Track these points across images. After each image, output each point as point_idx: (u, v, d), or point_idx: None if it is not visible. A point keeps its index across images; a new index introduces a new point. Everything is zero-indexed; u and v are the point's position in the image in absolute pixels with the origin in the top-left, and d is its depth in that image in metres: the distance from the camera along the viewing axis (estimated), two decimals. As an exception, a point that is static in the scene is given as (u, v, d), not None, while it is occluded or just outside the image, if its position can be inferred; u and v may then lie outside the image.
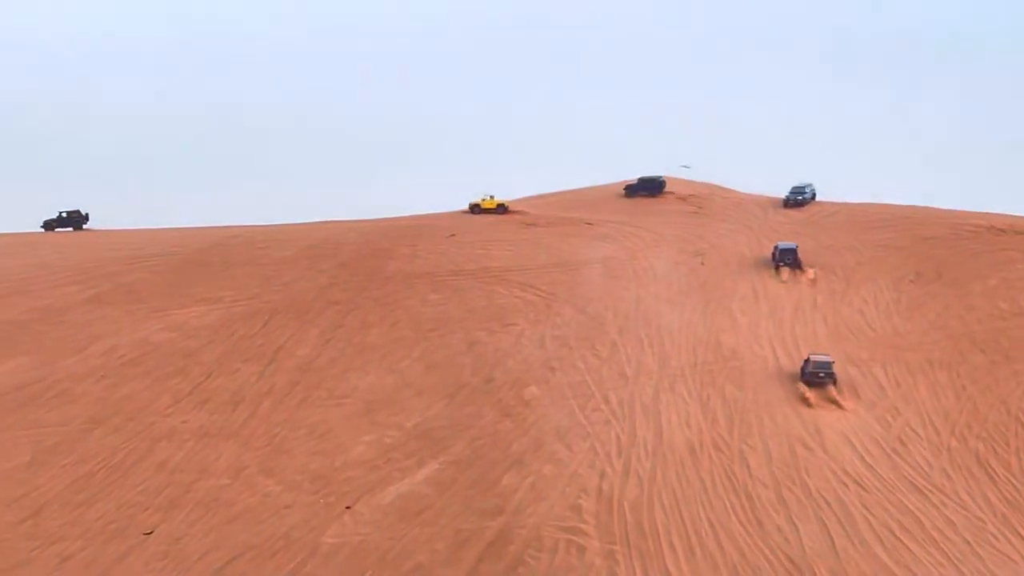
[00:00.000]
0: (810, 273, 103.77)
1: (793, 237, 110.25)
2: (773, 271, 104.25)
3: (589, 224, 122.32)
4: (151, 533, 59.64)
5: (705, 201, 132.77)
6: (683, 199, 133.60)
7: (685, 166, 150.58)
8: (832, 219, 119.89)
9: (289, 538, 58.61)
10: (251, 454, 69.47)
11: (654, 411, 74.51)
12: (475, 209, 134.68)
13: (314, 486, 64.73)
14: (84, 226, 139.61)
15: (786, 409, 75.42)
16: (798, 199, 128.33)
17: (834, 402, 77.53)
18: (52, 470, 67.80)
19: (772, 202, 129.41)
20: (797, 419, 73.98)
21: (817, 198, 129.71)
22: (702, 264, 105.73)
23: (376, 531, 59.12)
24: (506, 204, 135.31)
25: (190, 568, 55.96)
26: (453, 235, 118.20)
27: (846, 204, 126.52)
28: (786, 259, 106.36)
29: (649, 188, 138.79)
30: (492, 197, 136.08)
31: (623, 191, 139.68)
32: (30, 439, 72.28)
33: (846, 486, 65.25)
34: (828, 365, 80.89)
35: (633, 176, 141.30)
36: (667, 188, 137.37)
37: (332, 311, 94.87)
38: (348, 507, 61.78)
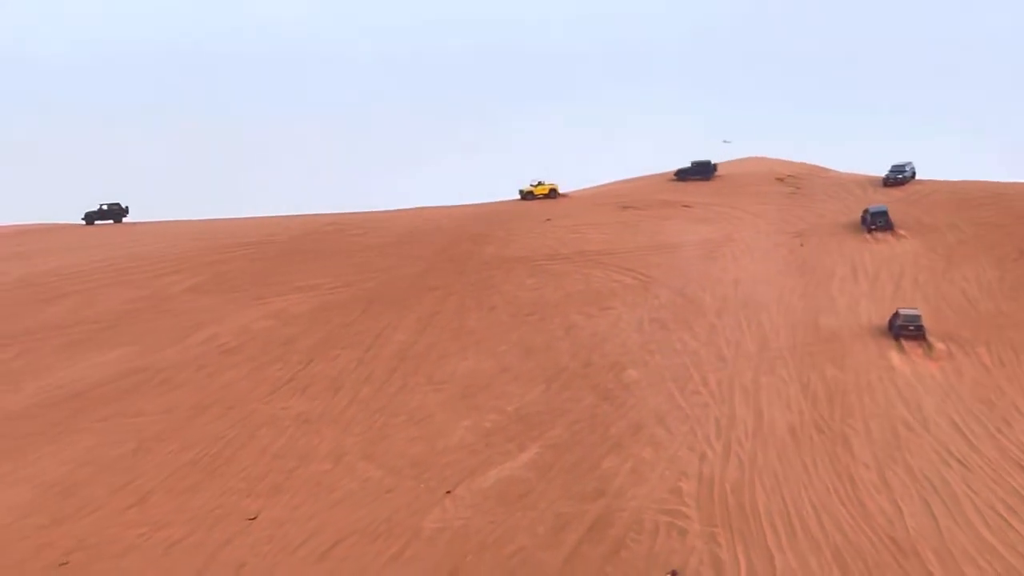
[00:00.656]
0: (901, 232, 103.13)
1: (892, 217, 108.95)
2: (866, 234, 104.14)
3: (687, 206, 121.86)
4: (255, 518, 60.08)
5: (803, 181, 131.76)
6: (781, 179, 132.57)
7: (726, 141, 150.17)
8: (932, 197, 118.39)
9: (391, 522, 58.80)
10: (352, 440, 69.84)
11: (754, 393, 74.00)
12: (527, 196, 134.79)
13: (415, 471, 64.92)
14: (124, 219, 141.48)
15: (888, 390, 74.49)
16: (898, 177, 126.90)
17: (924, 355, 77.54)
18: (157, 457, 68.61)
19: (871, 181, 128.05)
20: (899, 399, 73.02)
21: (917, 176, 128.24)
22: (801, 245, 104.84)
23: (477, 515, 59.19)
24: (557, 189, 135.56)
25: (294, 552, 56.25)
26: (549, 219, 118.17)
27: (946, 182, 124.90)
28: (878, 221, 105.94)
29: (702, 172, 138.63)
30: (542, 183, 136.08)
31: (674, 176, 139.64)
32: (135, 427, 73.26)
33: (949, 466, 64.28)
34: (917, 318, 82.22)
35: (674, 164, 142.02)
36: (775, 174, 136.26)
37: (429, 297, 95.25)
38: (448, 491, 61.87)
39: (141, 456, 68.95)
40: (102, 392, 79.52)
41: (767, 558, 54.29)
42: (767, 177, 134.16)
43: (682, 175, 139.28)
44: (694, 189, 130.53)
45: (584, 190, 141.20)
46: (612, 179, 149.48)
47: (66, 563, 56.34)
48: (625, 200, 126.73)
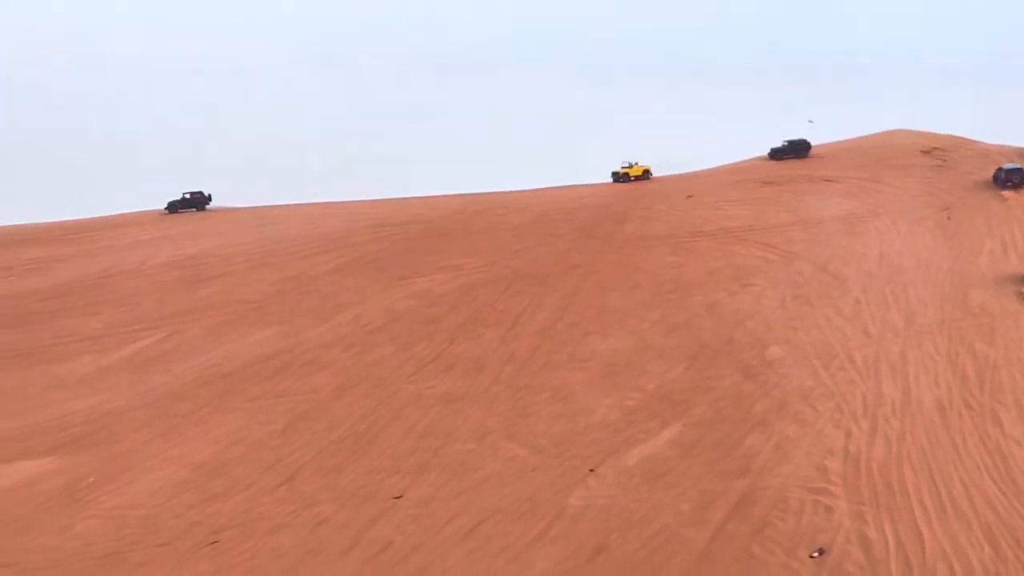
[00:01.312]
0: None
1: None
2: (998, 192, 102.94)
3: (829, 180, 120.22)
4: (400, 497, 60.61)
5: (949, 153, 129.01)
6: (927, 152, 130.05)
7: (810, 121, 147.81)
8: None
9: (535, 501, 58.95)
10: (495, 418, 70.17)
11: (901, 369, 72.83)
12: (621, 178, 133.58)
13: (558, 449, 65.01)
14: (207, 207, 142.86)
15: (1040, 365, 72.94)
16: None
17: None
18: (304, 436, 69.63)
19: (1019, 152, 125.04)
20: (1051, 375, 71.51)
21: None
22: (948, 218, 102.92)
23: (621, 493, 59.12)
24: (650, 170, 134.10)
25: (440, 530, 56.62)
26: (690, 196, 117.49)
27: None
28: (1013, 179, 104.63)
29: (796, 150, 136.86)
30: (637, 163, 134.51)
31: (768, 155, 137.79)
32: (282, 407, 74.45)
33: (1105, 443, 62.83)
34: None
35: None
36: (919, 147, 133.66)
37: (571, 275, 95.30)
38: (592, 470, 61.87)
39: (289, 435, 70.04)
40: (250, 372, 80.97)
41: (915, 535, 53.49)
42: (911, 150, 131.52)
43: (776, 155, 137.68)
44: (836, 164, 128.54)
45: (683, 174, 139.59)
46: (711, 163, 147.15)
47: (216, 541, 57.43)
48: (765, 176, 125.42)
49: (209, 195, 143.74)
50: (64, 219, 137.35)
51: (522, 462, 63.78)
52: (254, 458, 67.11)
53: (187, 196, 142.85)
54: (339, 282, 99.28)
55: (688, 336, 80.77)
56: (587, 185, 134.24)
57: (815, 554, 52.15)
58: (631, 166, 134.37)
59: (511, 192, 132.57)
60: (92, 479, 65.72)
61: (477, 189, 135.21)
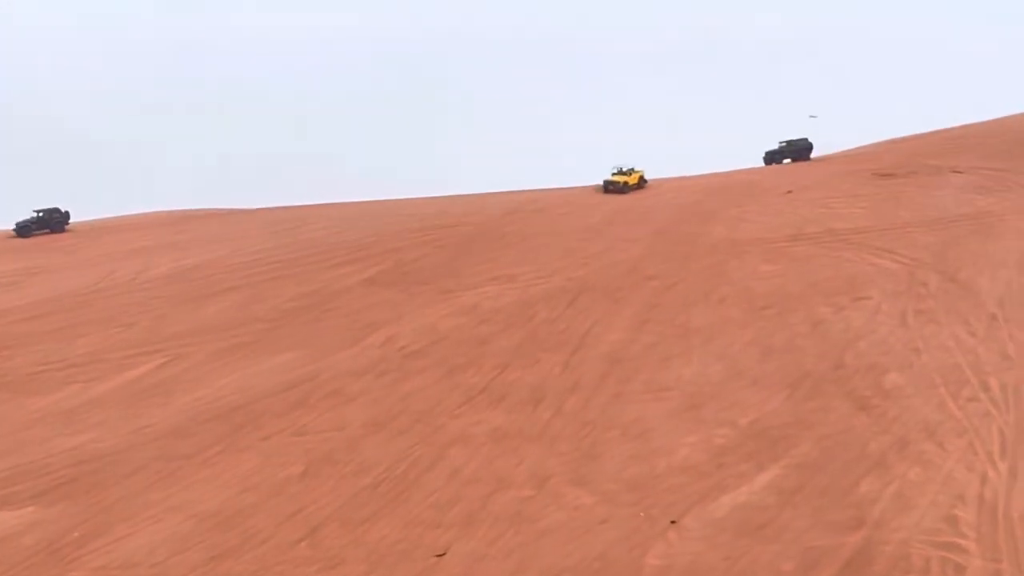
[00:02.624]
0: None
1: None
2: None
3: (959, 172, 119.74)
4: (444, 554, 60.48)
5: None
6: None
7: (812, 116, 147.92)
8: None
9: (606, 559, 58.73)
10: (557, 460, 70.03)
11: (1046, 399, 72.35)
12: (611, 187, 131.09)
13: (632, 497, 64.75)
14: (66, 227, 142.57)
15: None
16: None
17: None
18: (329, 482, 69.70)
19: None
20: None
21: None
22: None
23: (708, 549, 58.82)
24: (644, 176, 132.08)
25: (491, 595, 56.72)
26: (790, 191, 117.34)
27: None
28: None
29: (796, 153, 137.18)
30: (632, 170, 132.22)
31: (763, 160, 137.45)
32: (303, 446, 74.62)
33: None
34: None
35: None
36: None
37: (648, 288, 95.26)
38: (673, 521, 61.61)
39: (310, 480, 70.14)
40: (265, 405, 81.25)
41: (1065, 601, 53.03)
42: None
43: (772, 158, 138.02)
44: (968, 151, 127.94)
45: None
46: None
47: (227, 606, 57.68)
48: (882, 166, 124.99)
49: (67, 212, 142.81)
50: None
51: (589, 512, 63.55)
52: (270, 507, 67.14)
53: (39, 215, 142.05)
54: (371, 296, 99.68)
55: (788, 360, 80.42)
56: (670, 179, 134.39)
57: None
58: (628, 172, 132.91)
59: (573, 188, 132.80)
60: (77, 534, 66.04)
61: (532, 185, 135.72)
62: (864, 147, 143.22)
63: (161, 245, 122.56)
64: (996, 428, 68.40)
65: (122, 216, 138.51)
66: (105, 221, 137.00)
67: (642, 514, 62.56)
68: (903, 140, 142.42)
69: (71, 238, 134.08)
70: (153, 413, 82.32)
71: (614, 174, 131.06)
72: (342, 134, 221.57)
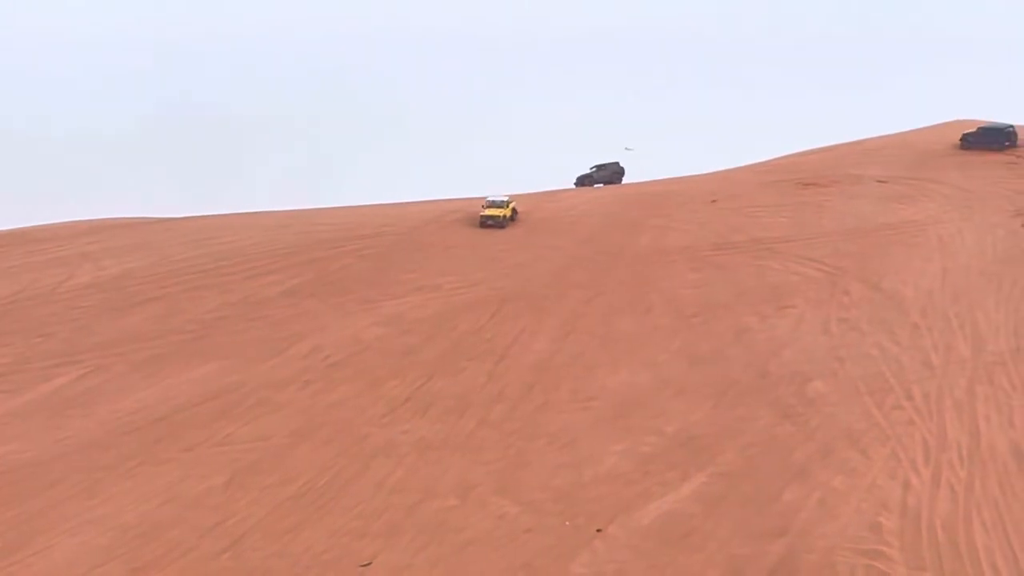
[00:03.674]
0: None
1: None
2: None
3: (882, 182, 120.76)
4: (369, 564, 60.47)
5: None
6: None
7: (628, 148, 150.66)
8: None
9: (531, 568, 58.83)
10: (482, 469, 70.08)
11: (969, 407, 72.93)
12: (489, 222, 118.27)
13: (558, 506, 64.91)
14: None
15: None
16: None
17: None
18: (252, 492, 69.40)
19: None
20: None
21: None
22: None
23: (635, 558, 59.06)
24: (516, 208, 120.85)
25: (416, 605, 56.59)
26: (714, 200, 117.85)
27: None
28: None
29: (607, 179, 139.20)
30: (506, 202, 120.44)
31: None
32: (226, 457, 74.25)
33: None
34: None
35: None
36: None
37: (573, 297, 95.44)
38: (599, 530, 61.80)
39: (234, 491, 69.80)
40: (187, 416, 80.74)
41: (988, 608, 53.59)
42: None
43: (582, 182, 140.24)
44: (889, 161, 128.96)
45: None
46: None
47: (149, 619, 57.30)
48: (806, 176, 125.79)
49: None
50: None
51: (515, 522, 63.66)
52: (192, 519, 66.76)
53: None
54: (294, 307, 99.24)
55: (714, 369, 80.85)
56: (591, 189, 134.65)
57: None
58: (503, 204, 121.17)
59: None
60: (-5, 547, 65.46)
61: (456, 194, 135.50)
62: (786, 156, 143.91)
63: (75, 256, 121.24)
64: (919, 436, 69.15)
65: (41, 225, 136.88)
66: (24, 230, 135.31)
67: (568, 523, 62.77)
68: (825, 149, 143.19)
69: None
70: (74, 424, 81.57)
71: (488, 207, 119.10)
72: (251, 143, 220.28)
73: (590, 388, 79.72)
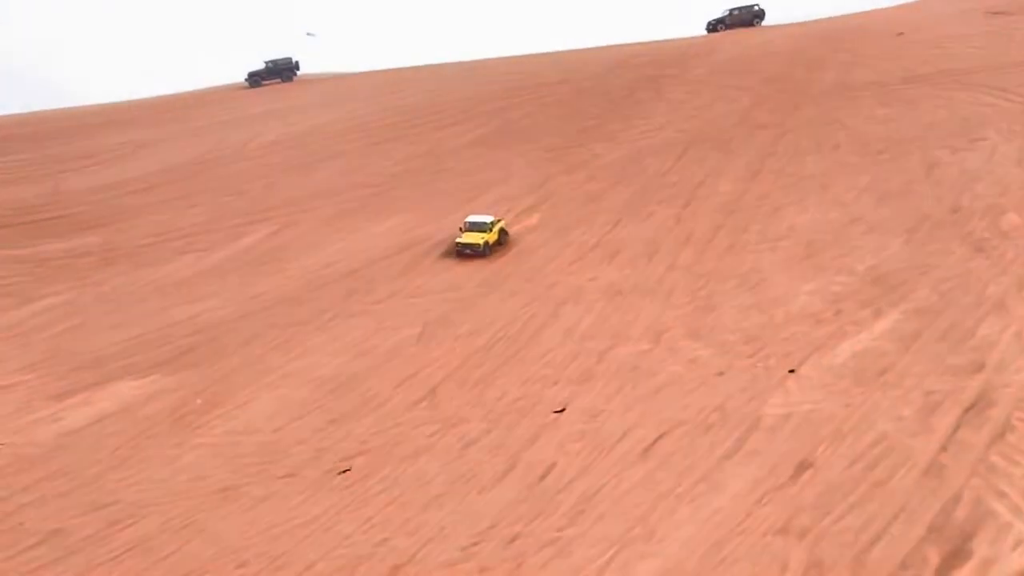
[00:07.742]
0: None
1: None
2: None
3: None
4: (563, 411, 60.59)
5: None
6: None
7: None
8: None
9: (724, 410, 58.56)
10: (672, 313, 69.96)
11: None
12: (467, 250, 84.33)
13: (750, 348, 64.55)
14: (294, 76, 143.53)
15: None
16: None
17: None
18: (445, 343, 70.13)
19: None
20: None
21: None
22: None
23: (827, 397, 58.57)
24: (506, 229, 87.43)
25: (611, 448, 56.37)
26: (901, 33, 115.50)
27: None
28: None
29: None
30: (491, 224, 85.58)
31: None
32: (417, 308, 75.07)
33: None
34: None
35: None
36: None
37: (759, 137, 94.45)
38: (792, 370, 61.34)
39: (427, 342, 70.63)
40: (378, 269, 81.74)
41: None
42: None
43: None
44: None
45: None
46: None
47: (348, 469, 57.98)
48: (996, 4, 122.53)
49: (297, 62, 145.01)
50: (146, 96, 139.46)
51: (707, 365, 63.51)
52: (387, 371, 67.80)
53: (269, 65, 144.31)
54: (479, 156, 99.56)
55: (904, 205, 79.58)
56: (774, 27, 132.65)
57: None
58: (486, 228, 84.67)
59: (675, 40, 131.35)
60: (200, 401, 67.12)
61: (633, 39, 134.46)
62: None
63: (260, 114, 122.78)
64: (1121, 265, 67.59)
65: (209, 88, 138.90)
66: (191, 95, 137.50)
67: (760, 364, 62.37)
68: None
69: (170, 106, 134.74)
70: (267, 281, 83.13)
71: (465, 230, 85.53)
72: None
73: (778, 228, 79.00)
